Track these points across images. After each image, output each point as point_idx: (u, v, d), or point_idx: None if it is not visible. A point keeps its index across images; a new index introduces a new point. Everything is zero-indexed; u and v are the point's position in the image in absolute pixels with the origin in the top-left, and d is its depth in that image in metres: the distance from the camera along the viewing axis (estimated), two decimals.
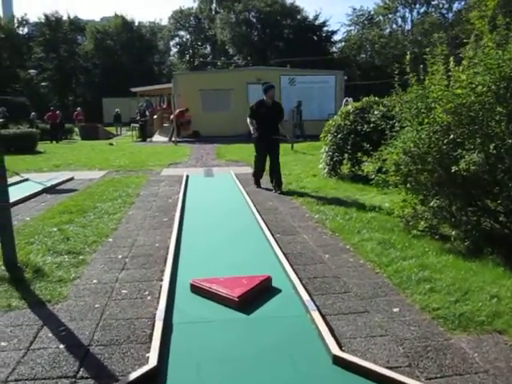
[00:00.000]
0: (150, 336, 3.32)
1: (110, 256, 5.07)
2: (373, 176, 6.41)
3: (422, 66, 5.63)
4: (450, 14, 47.34)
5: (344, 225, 6.21)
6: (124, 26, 51.19)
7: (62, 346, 3.20)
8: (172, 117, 20.82)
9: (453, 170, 4.82)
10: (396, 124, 6.00)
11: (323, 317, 3.54)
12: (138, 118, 22.98)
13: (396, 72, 6.11)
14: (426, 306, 3.76)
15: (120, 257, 5.04)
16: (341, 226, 6.18)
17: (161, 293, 3.98)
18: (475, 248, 5.18)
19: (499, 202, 4.84)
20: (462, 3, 45.31)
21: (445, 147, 5.04)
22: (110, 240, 5.66)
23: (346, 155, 9.74)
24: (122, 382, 2.70)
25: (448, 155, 5.03)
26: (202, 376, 2.82)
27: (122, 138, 25.94)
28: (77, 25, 52.30)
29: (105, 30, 51.09)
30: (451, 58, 5.22)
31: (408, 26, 50.67)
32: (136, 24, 53.52)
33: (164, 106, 28.89)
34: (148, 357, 3.04)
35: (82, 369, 2.93)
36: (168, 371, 2.85)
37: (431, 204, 5.35)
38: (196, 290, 4.00)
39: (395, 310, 3.73)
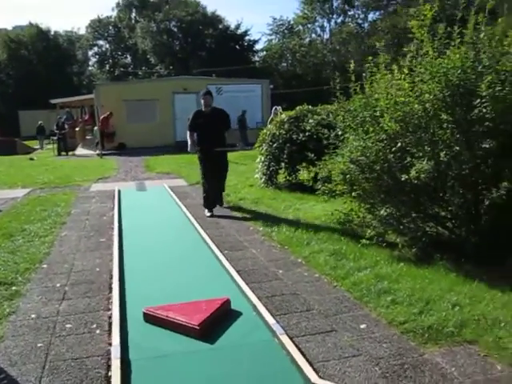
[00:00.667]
0: (107, 377, 2.98)
1: (46, 285, 4.61)
2: (319, 185, 6.33)
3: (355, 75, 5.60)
4: (366, 24, 49.21)
5: (291, 237, 6.07)
6: (39, 34, 48.82)
7: None
8: (96, 128, 19.99)
9: (403, 179, 4.81)
10: (339, 133, 5.95)
11: (292, 340, 3.34)
12: (57, 131, 21.81)
13: (337, 81, 6.09)
14: (392, 320, 3.68)
15: (58, 285, 4.60)
16: (288, 238, 6.04)
17: (112, 325, 3.63)
18: (423, 254, 5.22)
19: (449, 208, 4.88)
20: (377, 14, 47.28)
21: (392, 156, 5.04)
22: (45, 266, 5.17)
23: (283, 164, 9.67)
24: None
25: (396, 164, 5.03)
26: None
27: (44, 152, 24.60)
28: None
29: (19, 39, 48.46)
30: (394, 66, 5.23)
31: (327, 35, 52.09)
32: (52, 33, 51.30)
33: (86, 118, 27.76)
34: None
35: None
36: None
37: (380, 212, 5.33)
38: (150, 319, 3.68)
39: (362, 326, 3.61)
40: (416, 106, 4.85)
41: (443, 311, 3.77)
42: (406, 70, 5.24)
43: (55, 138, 22.02)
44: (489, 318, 3.63)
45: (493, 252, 4.73)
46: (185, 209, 7.84)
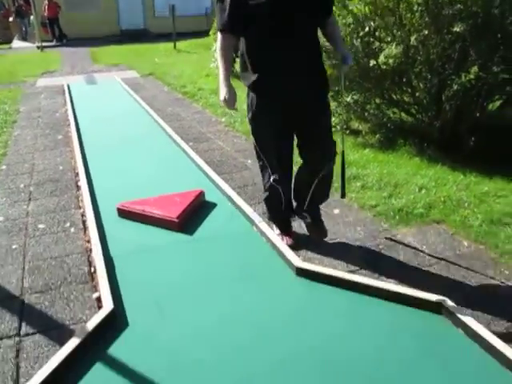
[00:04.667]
0: (90, 274, 2.98)
1: (9, 186, 4.45)
2: None
3: None
4: None
5: None
6: None
7: None
8: (33, 17, 18.43)
9: (371, 64, 4.73)
10: None
11: (270, 227, 3.41)
12: None
13: None
14: (364, 205, 3.79)
15: (22, 186, 4.44)
16: None
17: (86, 223, 3.58)
18: (387, 140, 5.31)
19: (415, 94, 4.89)
20: None
21: (359, 41, 4.90)
22: (3, 167, 4.96)
23: None
24: (80, 333, 2.39)
25: (363, 49, 4.91)
26: (165, 313, 2.59)
27: None
28: None
29: None
30: None
31: None
32: None
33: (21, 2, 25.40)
34: (95, 298, 2.73)
35: (23, 324, 2.55)
36: (126, 313, 2.58)
37: (346, 99, 5.29)
38: (125, 214, 3.65)
39: (336, 211, 3.71)
40: None
41: (411, 194, 3.91)
42: None
43: None
44: (454, 199, 3.80)
45: (455, 137, 4.85)
46: (141, 101, 7.57)
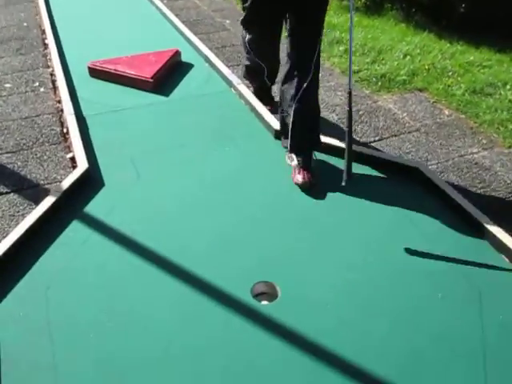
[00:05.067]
0: (63, 134, 2.89)
1: None
2: None
3: None
4: None
5: None
6: None
7: None
8: None
9: None
10: None
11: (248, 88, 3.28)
12: None
13: None
14: (346, 69, 3.66)
15: None
16: None
17: (56, 82, 3.40)
18: (372, 4, 5.04)
19: None
20: None
21: None
22: None
23: None
24: (55, 192, 2.35)
25: None
26: (140, 172, 2.55)
27: None
28: None
29: None
30: None
31: None
32: None
33: None
34: (69, 158, 2.67)
35: None
36: (102, 172, 2.54)
37: None
38: (97, 74, 3.47)
39: None
40: None
41: (395, 61, 3.79)
42: None
43: None
44: (438, 68, 3.70)
45: (444, 3, 4.60)
46: None
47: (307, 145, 2.53)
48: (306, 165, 2.46)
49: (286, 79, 2.48)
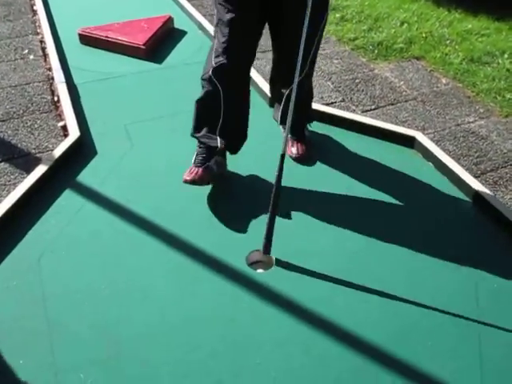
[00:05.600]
0: (54, 102, 2.83)
1: None
2: None
3: None
4: None
5: None
6: None
7: None
8: None
9: None
10: None
11: None
12: None
13: None
14: (342, 37, 3.60)
15: None
16: None
17: (46, 50, 3.32)
18: None
19: None
20: None
21: None
22: None
23: None
24: (46, 160, 2.31)
25: None
26: (134, 140, 2.51)
27: None
28: None
29: None
30: None
31: None
32: None
33: None
34: (61, 126, 2.62)
35: None
36: (94, 141, 2.49)
37: None
38: (87, 41, 3.38)
39: None
40: None
41: (392, 28, 3.72)
42: None
43: None
44: (435, 36, 3.64)
45: None
46: None
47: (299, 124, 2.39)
48: (299, 138, 2.42)
49: (275, 80, 2.38)
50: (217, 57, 1.98)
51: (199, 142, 2.16)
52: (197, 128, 2.15)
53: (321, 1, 1.93)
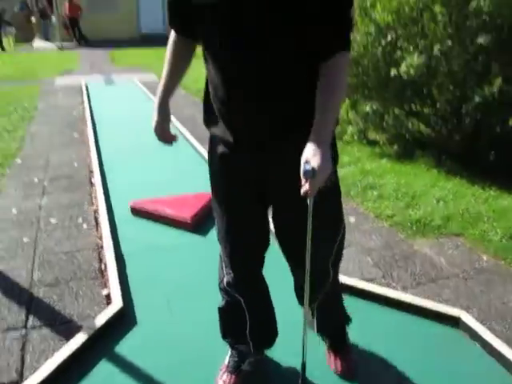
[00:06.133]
0: (100, 270, 2.95)
1: (23, 180, 4.45)
2: None
3: None
4: None
5: None
6: None
7: None
8: (54, 18, 18.64)
9: (392, 74, 4.67)
10: None
11: None
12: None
13: None
14: (380, 214, 3.72)
15: (36, 180, 4.44)
16: None
17: (98, 220, 3.55)
18: (404, 151, 5.25)
19: (436, 105, 4.81)
20: None
21: (381, 50, 4.85)
22: (19, 161, 4.97)
23: None
24: (87, 328, 2.34)
25: (384, 58, 4.86)
26: (175, 312, 2.54)
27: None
28: None
29: None
30: None
31: None
32: None
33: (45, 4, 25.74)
34: (105, 295, 2.69)
35: (30, 316, 2.52)
36: (135, 311, 2.53)
37: (365, 109, 5.23)
38: (138, 213, 3.62)
39: (352, 219, 3.64)
40: None
41: (429, 206, 3.84)
42: None
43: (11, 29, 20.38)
44: (472, 213, 3.72)
45: (474, 151, 4.77)
46: None
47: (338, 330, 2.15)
48: (341, 348, 2.15)
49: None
50: (226, 267, 1.85)
51: (230, 346, 2.06)
52: (225, 335, 2.05)
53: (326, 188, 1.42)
